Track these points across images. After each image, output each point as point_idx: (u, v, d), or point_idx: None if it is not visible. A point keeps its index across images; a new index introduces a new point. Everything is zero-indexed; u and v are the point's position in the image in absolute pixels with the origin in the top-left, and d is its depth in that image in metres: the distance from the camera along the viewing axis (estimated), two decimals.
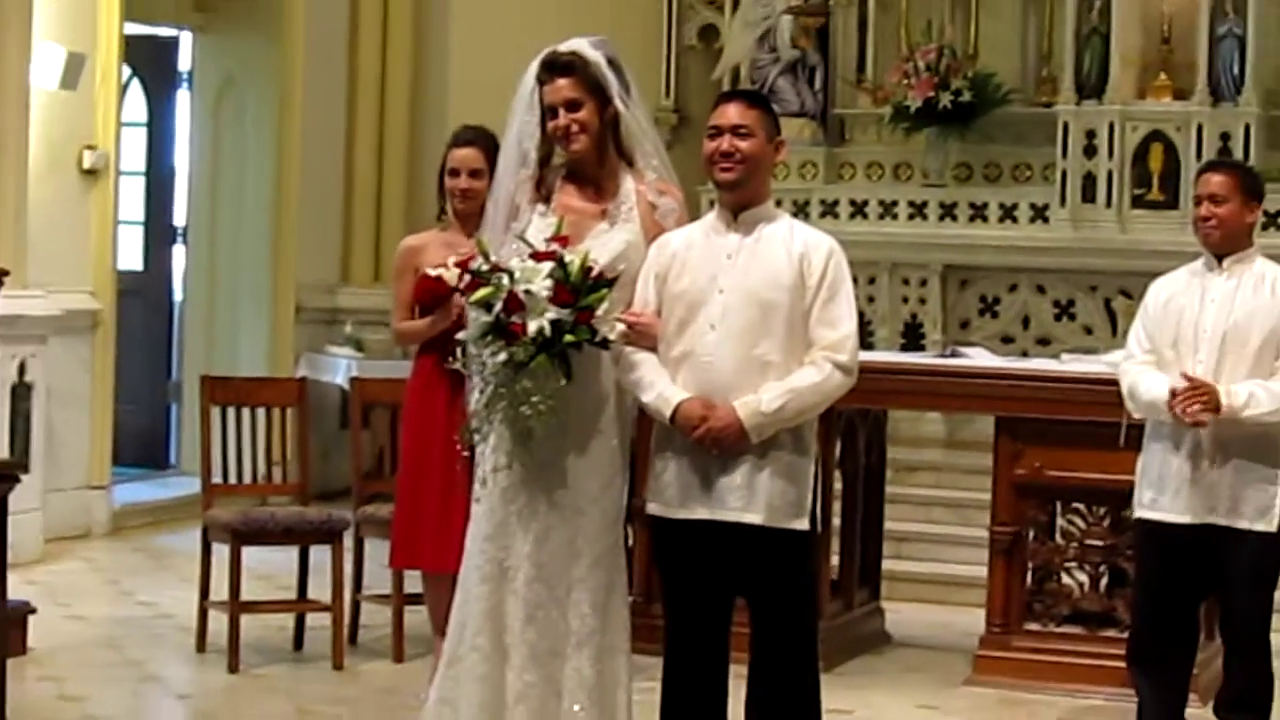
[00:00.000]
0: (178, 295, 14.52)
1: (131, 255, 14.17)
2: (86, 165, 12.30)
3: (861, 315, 13.51)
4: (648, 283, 6.21)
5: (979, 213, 13.79)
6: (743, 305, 6.03)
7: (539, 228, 6.23)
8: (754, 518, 6.02)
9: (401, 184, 14.26)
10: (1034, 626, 9.27)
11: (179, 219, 14.66)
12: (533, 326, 5.89)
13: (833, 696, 8.80)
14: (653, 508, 6.29)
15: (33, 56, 11.46)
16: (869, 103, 14.62)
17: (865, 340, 13.24)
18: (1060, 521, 9.30)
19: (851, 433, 9.89)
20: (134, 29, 13.19)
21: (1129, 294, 12.82)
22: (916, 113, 14.05)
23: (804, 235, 6.22)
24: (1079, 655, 9.06)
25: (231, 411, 9.70)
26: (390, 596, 9.35)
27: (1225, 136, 12.94)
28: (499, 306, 5.95)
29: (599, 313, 5.98)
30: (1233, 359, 7.52)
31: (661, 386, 6.08)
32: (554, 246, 6.01)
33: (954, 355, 10.49)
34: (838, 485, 9.80)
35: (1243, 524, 7.50)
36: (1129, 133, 13.25)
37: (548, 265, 5.94)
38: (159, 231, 14.74)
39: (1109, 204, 13.24)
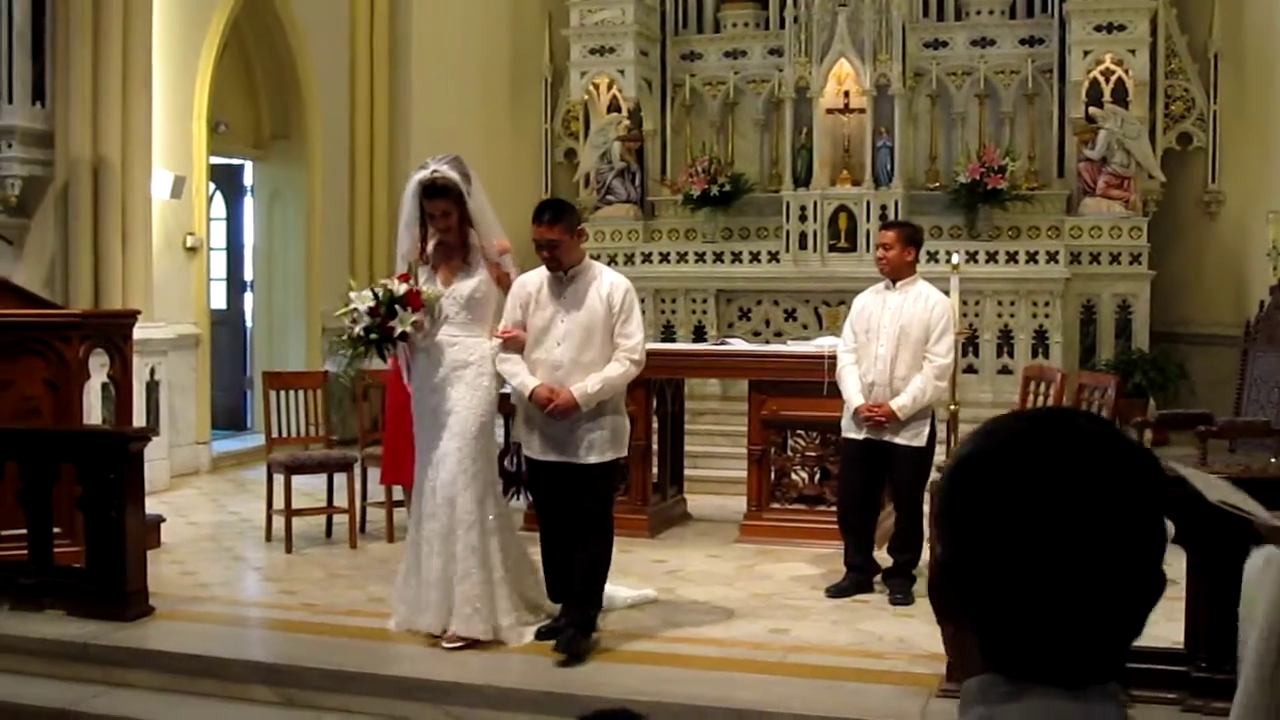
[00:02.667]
0: (249, 323, 14.38)
1: (219, 299, 14.02)
2: (189, 245, 12.18)
3: (667, 323, 13.73)
4: (515, 309, 6.66)
5: (736, 258, 13.84)
6: (576, 329, 6.55)
7: (424, 276, 6.75)
8: (594, 458, 6.55)
9: (384, 248, 14.18)
10: (776, 506, 9.35)
11: (248, 276, 14.52)
12: (356, 330, 6.62)
13: (654, 552, 8.95)
14: (526, 452, 6.79)
15: (153, 178, 11.35)
16: (669, 193, 14.66)
17: (669, 336, 13.43)
18: (790, 441, 9.39)
19: (663, 393, 9.94)
20: (216, 160, 13.07)
21: (829, 304, 12.97)
22: (697, 198, 14.15)
23: (609, 279, 6.65)
24: (805, 522, 9.15)
25: (283, 393, 9.66)
26: (384, 502, 9.37)
27: (884, 207, 13.10)
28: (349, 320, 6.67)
29: (394, 321, 6.57)
30: (902, 345, 7.68)
31: (523, 376, 6.58)
32: (393, 283, 6.62)
33: (724, 343, 10.57)
34: (655, 425, 9.86)
35: (901, 441, 7.66)
36: (825, 206, 13.39)
37: (369, 293, 6.62)
38: (235, 284, 14.57)
39: (815, 250, 13.37)
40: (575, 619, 6.50)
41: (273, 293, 14.09)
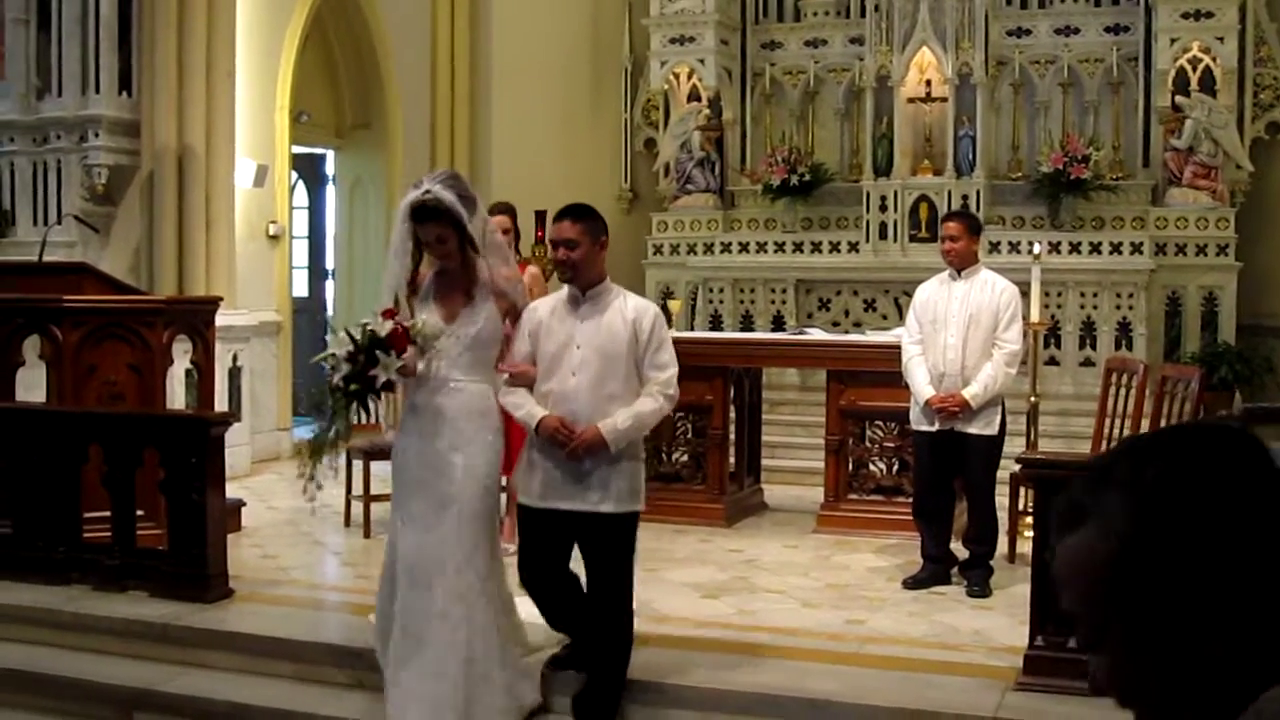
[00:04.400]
0: (329, 310, 14.50)
1: (300, 287, 14.16)
2: (271, 233, 12.30)
3: (746, 313, 13.70)
4: (524, 339, 5.75)
5: (816, 247, 13.78)
6: (594, 358, 5.61)
7: (419, 309, 5.76)
8: (609, 507, 5.60)
9: None
10: (853, 497, 9.32)
11: (329, 264, 14.65)
12: (335, 379, 5.57)
13: (731, 541, 8.96)
14: (521, 498, 5.80)
15: (236, 167, 11.47)
16: (748, 182, 14.60)
17: (747, 326, 13.40)
18: (868, 431, 9.34)
19: (740, 383, 9.94)
20: (298, 149, 13.18)
21: (909, 294, 12.88)
22: (777, 188, 14.07)
23: (635, 302, 5.78)
24: (882, 513, 9.11)
25: None
26: None
27: (965, 197, 12.98)
28: (328, 367, 5.63)
29: (376, 368, 5.49)
30: (971, 333, 7.63)
31: (530, 407, 5.64)
32: (376, 321, 5.59)
33: (802, 333, 10.54)
34: (733, 415, 9.85)
35: (973, 430, 7.60)
36: (906, 196, 13.29)
37: (349, 338, 5.58)
38: (316, 272, 14.72)
39: (895, 240, 13.28)
40: None
41: (353, 281, 14.19)
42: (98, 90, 10.80)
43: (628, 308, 5.72)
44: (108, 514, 7.47)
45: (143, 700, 6.39)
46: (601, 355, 5.63)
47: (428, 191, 5.64)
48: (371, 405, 5.74)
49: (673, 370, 5.72)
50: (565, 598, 5.82)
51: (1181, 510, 1.40)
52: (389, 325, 5.55)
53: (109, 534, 7.47)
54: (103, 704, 6.42)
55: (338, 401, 5.60)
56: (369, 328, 5.55)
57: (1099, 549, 1.43)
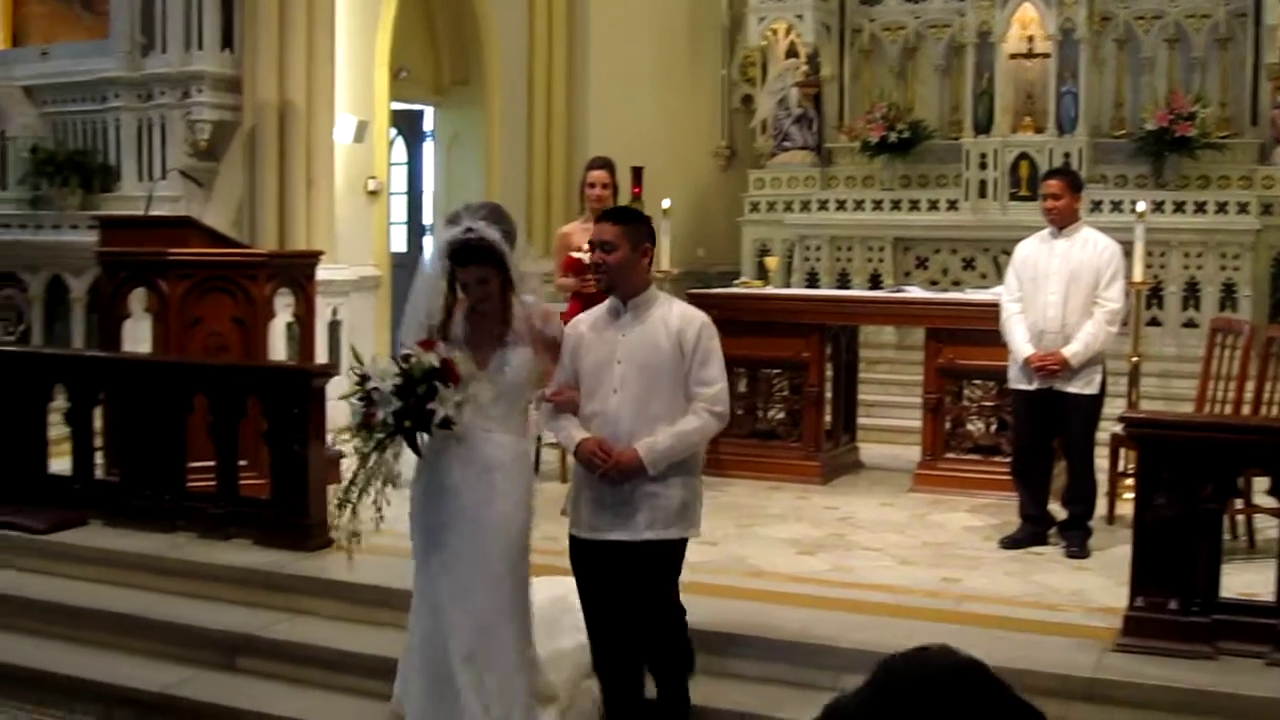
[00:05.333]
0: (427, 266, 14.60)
1: (399, 242, 14.26)
2: (370, 189, 12.38)
3: (843, 271, 13.63)
4: (567, 360, 5.22)
5: (914, 205, 13.67)
6: (636, 374, 5.07)
7: (447, 351, 5.07)
8: (652, 534, 5.09)
9: (561, 192, 14.30)
10: (950, 455, 9.26)
11: (427, 219, 14.75)
12: (382, 416, 4.94)
13: (826, 499, 8.95)
14: (571, 530, 5.26)
15: (336, 123, 11.56)
16: (846, 139, 14.51)
17: (844, 284, 13.33)
18: (965, 390, 9.28)
19: (837, 340, 9.89)
20: (397, 105, 13.26)
21: (1009, 253, 12.76)
22: (875, 145, 13.97)
23: (681, 312, 5.19)
24: (979, 472, 9.04)
25: None
26: (554, 442, 9.42)
27: (1066, 155, 12.80)
28: (362, 403, 4.99)
29: (434, 401, 4.93)
30: (1072, 291, 7.55)
31: (570, 429, 5.14)
32: (419, 352, 4.99)
33: (900, 291, 10.48)
34: (829, 373, 9.81)
35: (1073, 390, 7.53)
36: (1006, 154, 13.14)
37: (396, 367, 4.97)
38: (415, 227, 14.82)
39: (995, 198, 13.15)
40: None
41: None
42: (201, 47, 10.94)
43: (672, 318, 5.15)
44: (212, 463, 7.61)
45: (246, 645, 6.51)
46: (644, 371, 5.10)
47: (470, 230, 5.08)
48: (421, 444, 5.11)
49: (720, 385, 5.14)
50: (632, 680, 5.33)
51: None
52: (435, 356, 4.98)
53: (213, 483, 7.61)
54: (207, 648, 6.55)
55: (381, 442, 5.03)
56: (417, 358, 4.96)
57: None
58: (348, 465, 5.56)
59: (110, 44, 11.31)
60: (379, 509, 5.06)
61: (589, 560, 5.21)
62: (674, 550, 5.21)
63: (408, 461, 5.23)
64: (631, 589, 5.15)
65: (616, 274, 5.17)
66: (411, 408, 4.95)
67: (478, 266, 5.08)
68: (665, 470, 5.08)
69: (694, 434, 5.13)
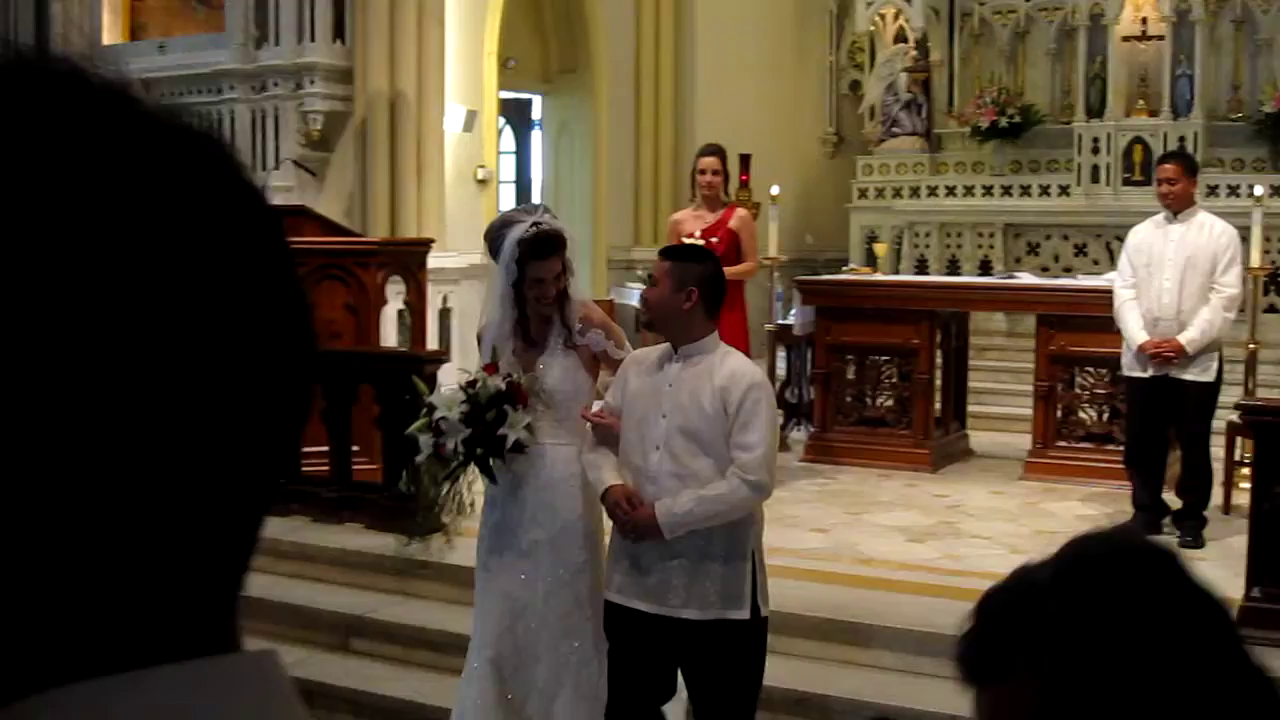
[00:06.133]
0: None
1: None
2: (479, 178, 12.48)
3: (952, 258, 13.52)
4: (617, 390, 4.79)
5: (1025, 191, 13.58)
6: (678, 431, 4.56)
7: (503, 362, 4.98)
8: (692, 613, 4.54)
9: (669, 179, 14.31)
10: (1062, 444, 9.16)
11: None
12: (451, 445, 4.89)
13: (936, 486, 8.89)
14: (605, 593, 4.80)
15: (445, 113, 11.66)
16: (956, 125, 14.40)
17: (954, 270, 13.23)
18: (1078, 377, 9.18)
19: (947, 327, 9.82)
20: (506, 94, 13.35)
21: (1121, 239, 12.60)
22: (985, 130, 13.86)
23: (729, 369, 4.60)
24: (1092, 461, 8.93)
25: None
26: None
27: (1181, 139, 12.61)
28: (431, 434, 4.96)
29: (506, 426, 4.81)
30: (1188, 277, 7.45)
31: (603, 471, 4.70)
32: (483, 376, 4.90)
33: (1010, 277, 10.40)
34: (939, 360, 9.75)
35: (1189, 377, 7.43)
36: (1120, 138, 12.98)
37: (462, 395, 4.89)
38: None
39: (1107, 183, 12.99)
40: None
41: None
42: (313, 39, 11.08)
43: (719, 374, 4.59)
44: (325, 448, 7.73)
45: (360, 627, 6.62)
46: (686, 431, 4.59)
47: (538, 223, 4.93)
48: (496, 470, 4.95)
49: (760, 452, 4.52)
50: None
51: (1124, 660, 1.28)
52: (499, 380, 4.87)
53: (327, 468, 7.72)
54: (321, 630, 6.66)
55: (454, 471, 5.02)
56: (483, 383, 4.87)
57: (1031, 701, 1.30)
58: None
59: (225, 37, 11.50)
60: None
61: (619, 627, 4.72)
62: (731, 635, 4.57)
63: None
64: (693, 685, 4.69)
65: (654, 311, 4.74)
66: (481, 434, 4.86)
67: (557, 258, 4.91)
68: (704, 543, 4.55)
69: (719, 501, 4.51)
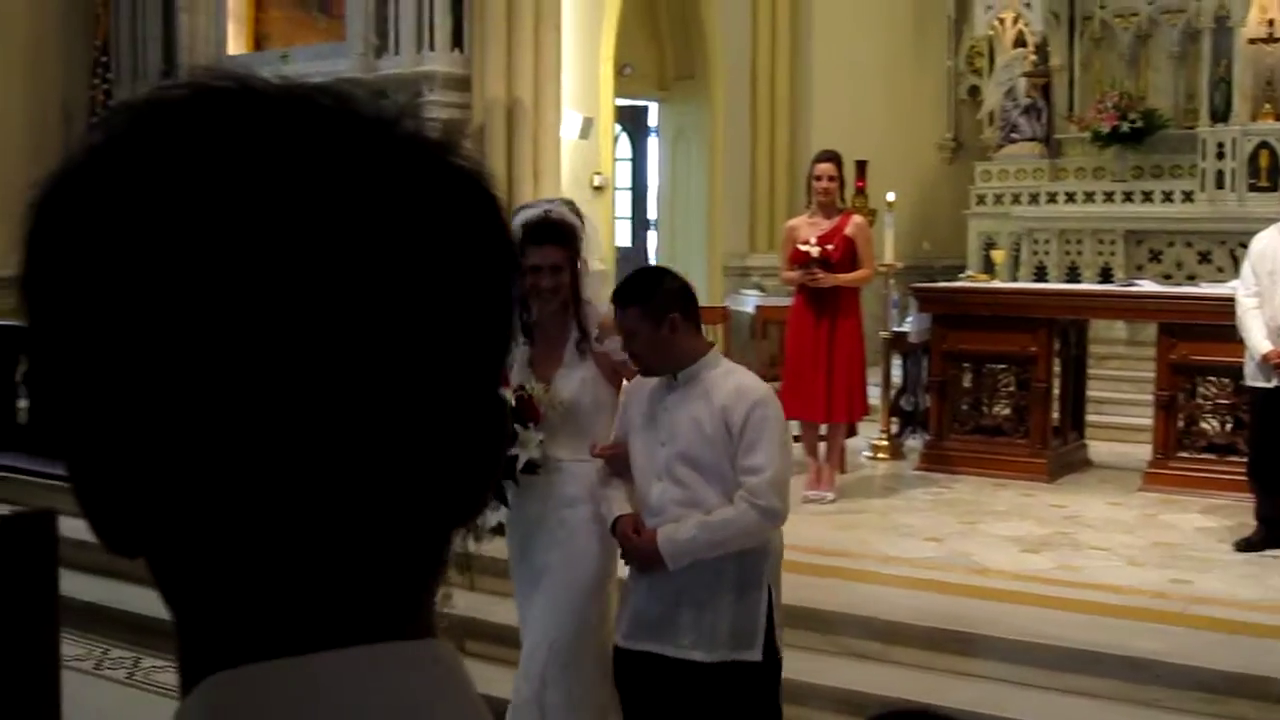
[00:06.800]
0: (651, 260, 14.76)
1: (623, 237, 14.45)
2: (595, 184, 12.55)
3: (1072, 265, 13.37)
4: (623, 416, 4.53)
5: (1147, 197, 13.38)
6: (679, 459, 4.25)
7: (515, 370, 4.66)
8: (701, 655, 4.22)
9: (784, 187, 14.30)
10: (1183, 454, 9.02)
11: (651, 215, 14.91)
12: None
13: (1053, 496, 8.81)
14: (616, 639, 4.47)
15: (562, 120, 11.76)
16: (1076, 130, 14.25)
17: (1073, 278, 13.08)
18: (1200, 387, 9.04)
19: (1065, 335, 9.72)
20: (622, 101, 13.42)
21: (1245, 245, 12.40)
22: (1106, 135, 13.70)
23: (732, 388, 4.24)
24: (1213, 472, 8.78)
25: None
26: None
27: None
28: None
29: (516, 446, 4.52)
30: None
31: (613, 502, 4.44)
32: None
33: (1131, 285, 10.27)
34: (1057, 368, 9.64)
35: None
36: (1245, 143, 12.75)
37: None
38: (639, 223, 15.00)
39: (1233, 189, 12.77)
40: None
41: (675, 231, 14.40)
42: (433, 48, 11.24)
43: (720, 392, 4.24)
44: None
45: (472, 629, 6.69)
46: (688, 459, 4.26)
47: (547, 210, 4.75)
48: (509, 491, 4.63)
49: (769, 474, 4.17)
50: None
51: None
52: (507, 393, 4.45)
53: None
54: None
55: None
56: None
57: None
58: None
59: (346, 46, 11.67)
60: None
61: (629, 675, 4.40)
62: (742, 678, 4.24)
63: None
64: None
65: (649, 359, 4.32)
66: None
67: (554, 247, 4.64)
68: (712, 575, 4.23)
69: (726, 528, 4.18)
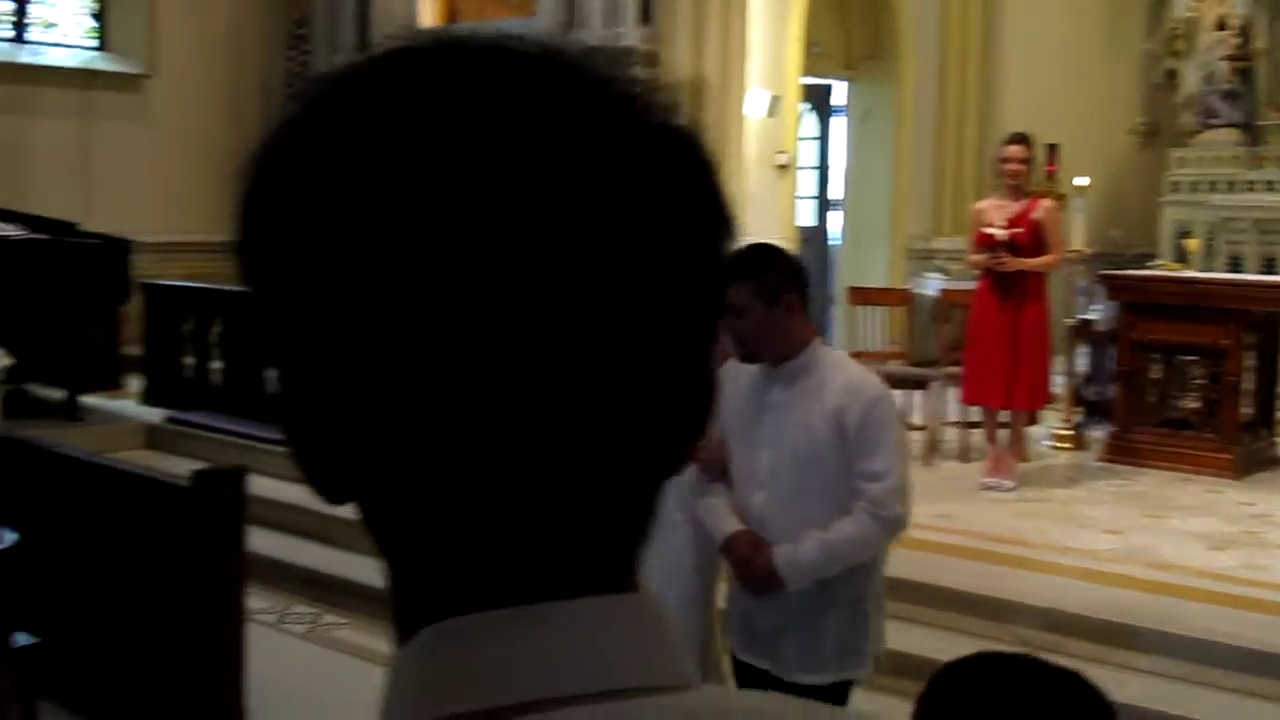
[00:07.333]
0: (834, 241, 14.69)
1: (806, 217, 14.39)
2: (779, 163, 12.53)
3: (1270, 257, 12.98)
4: (719, 415, 3.92)
5: None
6: (786, 466, 3.90)
7: None
8: (807, 677, 3.93)
9: (972, 168, 14.12)
10: None
11: (834, 194, 14.83)
12: None
13: (1241, 494, 8.59)
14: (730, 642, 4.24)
15: (747, 98, 11.77)
16: (1277, 116, 13.83)
17: (1269, 270, 12.70)
18: None
19: (1261, 329, 9.40)
20: (808, 80, 13.37)
21: None
22: None
23: (844, 384, 3.88)
24: None
25: (866, 309, 9.91)
26: (959, 422, 9.36)
27: None
28: None
29: None
30: None
31: (721, 517, 4.01)
32: None
33: None
34: (1250, 362, 9.36)
35: None
36: None
37: None
38: (823, 203, 14.93)
39: None
40: None
41: (859, 212, 14.32)
42: (622, 23, 11.33)
43: (831, 391, 3.88)
44: None
45: None
46: (795, 462, 3.91)
47: None
48: None
49: (891, 481, 3.85)
50: None
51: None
52: None
53: None
54: None
55: None
56: None
57: None
58: None
59: (536, 21, 11.82)
60: None
61: (744, 684, 4.09)
62: (837, 698, 3.93)
63: None
64: None
65: (756, 341, 3.90)
66: None
67: None
68: (822, 595, 3.93)
69: (848, 545, 3.87)
